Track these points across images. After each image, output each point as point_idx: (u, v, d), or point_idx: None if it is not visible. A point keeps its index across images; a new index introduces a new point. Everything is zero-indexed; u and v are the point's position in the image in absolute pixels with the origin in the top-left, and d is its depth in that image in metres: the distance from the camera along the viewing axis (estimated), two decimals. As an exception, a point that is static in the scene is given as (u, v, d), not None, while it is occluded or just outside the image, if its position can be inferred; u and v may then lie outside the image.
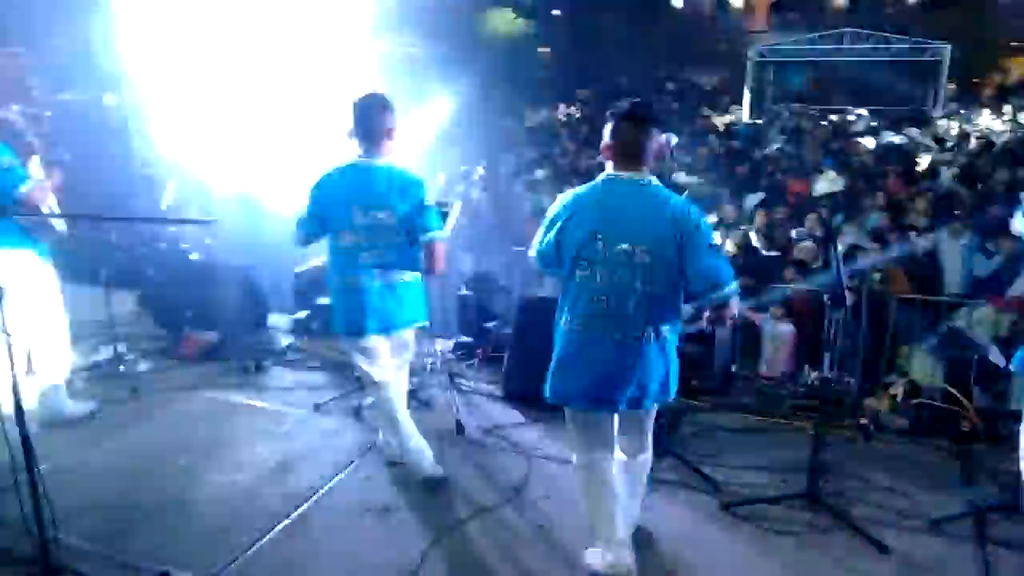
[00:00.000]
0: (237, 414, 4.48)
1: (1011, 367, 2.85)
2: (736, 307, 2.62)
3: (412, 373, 4.79)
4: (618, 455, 2.92)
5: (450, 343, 5.57)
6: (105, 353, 5.15)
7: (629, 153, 2.62)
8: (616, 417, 2.85)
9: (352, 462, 3.88)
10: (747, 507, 3.47)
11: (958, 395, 4.25)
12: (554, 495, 3.56)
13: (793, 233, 7.37)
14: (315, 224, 3.40)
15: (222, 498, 3.51)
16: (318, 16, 5.94)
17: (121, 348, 5.13)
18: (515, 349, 4.72)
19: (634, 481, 2.99)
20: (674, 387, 2.79)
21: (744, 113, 17.41)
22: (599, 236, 2.58)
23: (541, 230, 2.78)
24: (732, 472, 3.80)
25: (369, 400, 4.17)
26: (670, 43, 20.74)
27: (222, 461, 3.86)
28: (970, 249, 6.81)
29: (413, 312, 3.56)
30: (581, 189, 2.71)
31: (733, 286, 2.59)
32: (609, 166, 2.67)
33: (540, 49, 22.75)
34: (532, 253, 2.84)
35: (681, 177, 9.23)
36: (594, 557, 2.89)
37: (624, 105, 2.66)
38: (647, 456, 2.98)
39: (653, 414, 2.91)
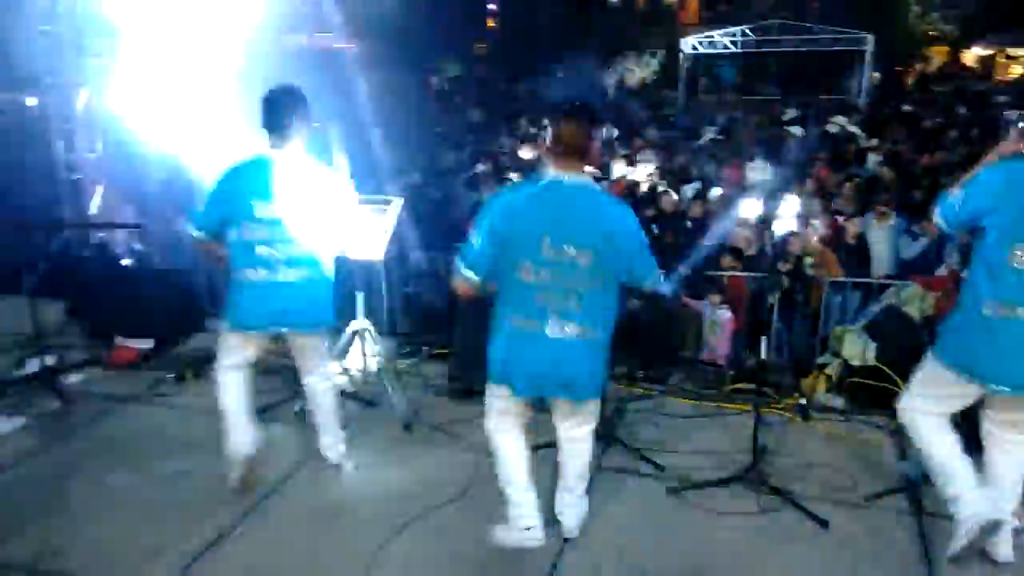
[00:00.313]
0: (175, 423, 4.35)
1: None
2: (668, 293, 2.82)
3: (357, 372, 4.76)
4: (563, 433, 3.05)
5: (396, 340, 5.52)
6: (32, 366, 4.93)
7: (573, 154, 2.63)
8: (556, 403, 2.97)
9: (299, 465, 3.82)
10: (693, 490, 3.53)
11: (890, 372, 4.40)
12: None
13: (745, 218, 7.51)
14: (213, 216, 3.32)
15: (163, 510, 3.41)
16: (236, 12, 5.79)
17: (49, 360, 4.92)
18: (461, 344, 4.71)
19: (575, 456, 3.09)
20: (603, 383, 2.93)
21: (678, 105, 17.72)
22: (545, 238, 2.60)
23: (474, 238, 2.73)
24: (678, 456, 3.87)
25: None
26: (605, 37, 20.95)
27: (162, 472, 3.75)
28: (897, 232, 7.08)
29: (318, 311, 3.47)
30: (518, 191, 2.71)
31: (662, 280, 2.81)
32: (552, 166, 2.66)
33: (476, 44, 22.74)
34: (462, 267, 2.76)
35: (619, 170, 9.36)
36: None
37: (568, 105, 2.67)
38: (586, 432, 3.05)
39: (594, 404, 3.00)
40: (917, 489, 3.46)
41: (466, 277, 2.75)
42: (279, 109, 3.25)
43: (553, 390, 2.84)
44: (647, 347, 4.87)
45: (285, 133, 3.25)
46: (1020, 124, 2.79)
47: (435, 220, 7.56)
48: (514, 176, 8.66)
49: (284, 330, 3.49)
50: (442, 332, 5.37)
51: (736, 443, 3.92)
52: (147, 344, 5.34)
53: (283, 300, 3.34)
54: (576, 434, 3.03)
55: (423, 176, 9.78)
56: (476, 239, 2.71)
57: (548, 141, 2.65)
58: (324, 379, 3.67)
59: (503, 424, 3.00)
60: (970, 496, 2.79)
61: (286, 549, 3.16)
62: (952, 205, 2.66)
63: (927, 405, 2.93)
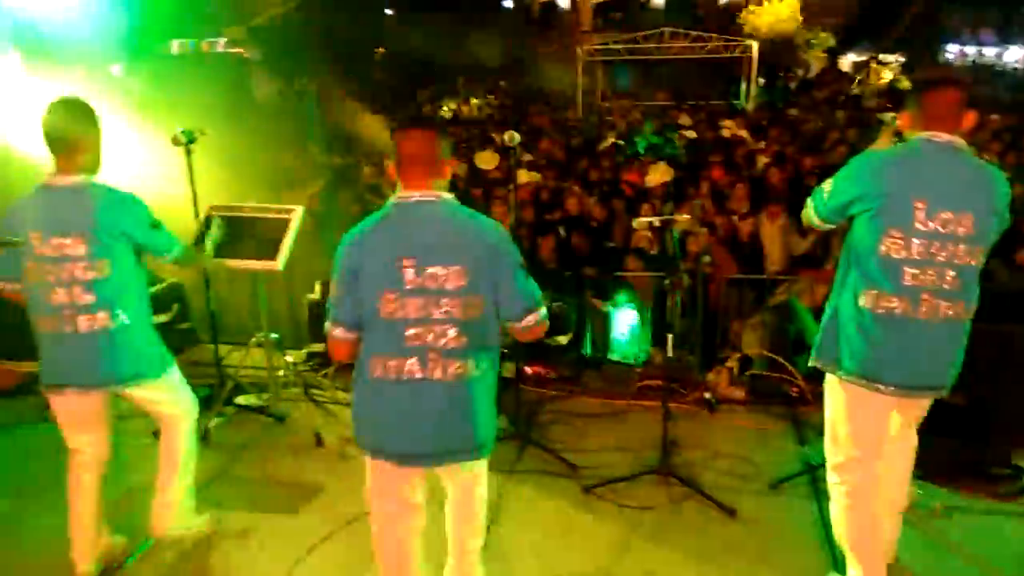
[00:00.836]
0: (65, 449, 4.07)
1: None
2: (544, 329, 2.36)
3: (262, 388, 4.60)
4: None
5: (302, 353, 5.37)
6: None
7: (418, 169, 2.27)
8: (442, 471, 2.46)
9: (201, 488, 3.65)
10: (607, 487, 3.60)
11: (786, 363, 4.63)
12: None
13: (635, 223, 7.71)
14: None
15: (60, 541, 3.19)
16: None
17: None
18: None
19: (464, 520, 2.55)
20: (492, 436, 2.42)
21: (577, 110, 18.07)
22: (405, 263, 2.20)
23: (333, 291, 2.33)
24: (591, 455, 3.94)
25: (215, 422, 3.96)
26: (504, 43, 21.13)
27: (55, 502, 3.50)
28: (787, 230, 7.44)
29: (129, 364, 2.89)
30: (364, 222, 2.32)
31: (543, 310, 2.33)
32: (399, 187, 2.30)
33: (376, 50, 22.48)
34: (328, 326, 2.34)
35: (522, 176, 9.44)
36: None
37: (407, 116, 2.47)
38: (479, 495, 2.53)
39: (484, 469, 2.51)
40: (816, 472, 3.65)
41: (335, 336, 2.33)
42: (60, 126, 2.73)
43: (439, 452, 2.32)
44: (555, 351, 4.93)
45: (70, 154, 2.74)
46: (890, 123, 2.95)
47: (346, 228, 7.39)
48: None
49: (99, 388, 2.92)
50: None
51: (647, 439, 4.02)
52: (31, 366, 4.98)
53: (80, 353, 2.81)
54: (464, 499, 2.51)
55: (328, 184, 9.56)
56: (333, 288, 2.31)
57: (388, 160, 2.32)
58: (174, 421, 3.15)
59: (387, 508, 2.43)
60: None
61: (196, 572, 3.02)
62: (821, 197, 2.70)
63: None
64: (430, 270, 2.20)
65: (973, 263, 2.47)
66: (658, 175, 9.98)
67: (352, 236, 2.31)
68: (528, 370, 4.88)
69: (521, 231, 5.93)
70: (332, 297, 2.32)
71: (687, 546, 3.21)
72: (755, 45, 17.58)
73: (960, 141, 2.48)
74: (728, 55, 18.16)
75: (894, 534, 2.90)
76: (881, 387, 2.54)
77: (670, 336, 3.72)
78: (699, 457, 3.92)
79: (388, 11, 22.19)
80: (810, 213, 2.78)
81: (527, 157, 11.02)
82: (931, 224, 2.42)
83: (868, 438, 2.66)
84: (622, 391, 4.73)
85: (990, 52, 29.97)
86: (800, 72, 25.76)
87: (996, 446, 3.66)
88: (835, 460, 2.74)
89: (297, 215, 4.16)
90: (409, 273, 2.20)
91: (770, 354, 4.79)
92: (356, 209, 8.08)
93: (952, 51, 29.73)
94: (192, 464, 3.21)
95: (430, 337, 2.22)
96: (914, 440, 2.84)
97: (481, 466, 2.48)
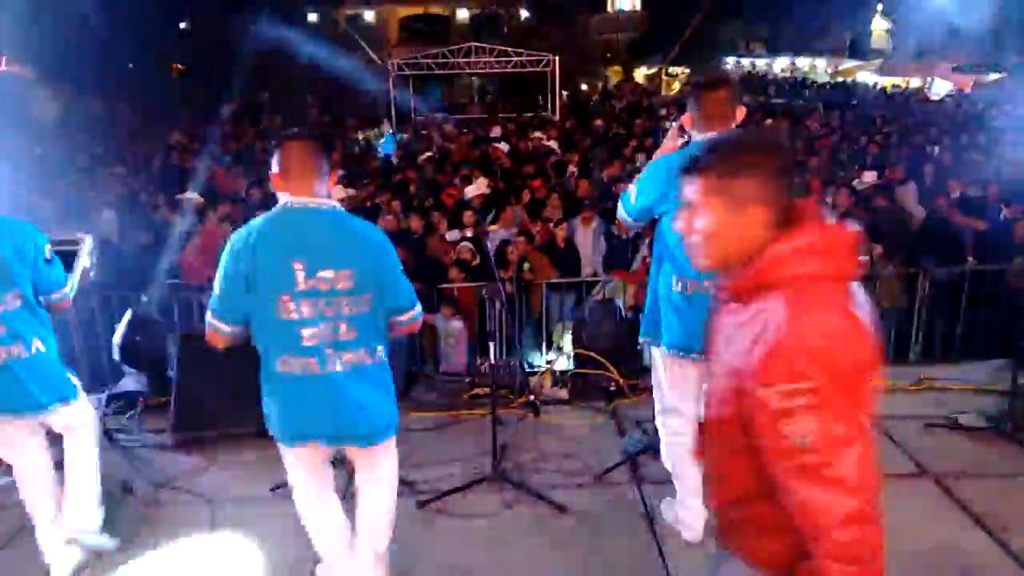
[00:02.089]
0: None
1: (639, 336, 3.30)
2: (419, 325, 2.72)
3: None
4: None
5: (103, 396, 4.91)
6: None
7: (303, 177, 2.41)
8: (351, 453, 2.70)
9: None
10: (443, 500, 3.61)
11: (602, 360, 4.87)
12: (249, 535, 3.35)
13: (449, 235, 7.80)
14: None
15: None
16: None
17: None
18: (181, 390, 4.33)
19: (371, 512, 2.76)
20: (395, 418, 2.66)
21: (392, 125, 17.99)
22: (297, 266, 2.35)
23: (217, 285, 2.45)
24: (425, 470, 3.92)
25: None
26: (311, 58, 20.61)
27: None
28: (599, 233, 7.86)
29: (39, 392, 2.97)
30: (251, 227, 2.42)
31: (419, 308, 2.65)
32: (283, 196, 2.44)
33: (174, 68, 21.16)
34: (211, 318, 2.47)
35: (338, 191, 9.26)
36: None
37: (293, 130, 2.57)
38: (386, 480, 2.76)
39: (390, 447, 2.72)
40: (635, 461, 3.88)
41: (217, 328, 2.47)
42: None
43: (343, 433, 2.54)
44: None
45: None
46: (672, 126, 3.24)
47: (144, 260, 6.85)
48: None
49: None
50: (160, 378, 4.90)
51: (479, 447, 4.07)
52: None
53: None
54: (372, 486, 2.73)
55: (122, 212, 8.81)
56: (219, 285, 2.44)
57: (274, 166, 2.44)
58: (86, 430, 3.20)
59: (307, 490, 2.70)
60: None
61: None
62: (628, 200, 2.99)
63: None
64: (324, 272, 2.37)
65: None
66: (475, 187, 10.16)
67: (239, 239, 2.42)
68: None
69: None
70: (217, 293, 2.45)
71: (522, 547, 3.30)
72: (557, 60, 18.40)
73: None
74: (532, 69, 18.86)
75: None
76: (694, 356, 2.89)
77: (491, 344, 3.80)
78: (529, 459, 4.03)
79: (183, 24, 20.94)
80: (622, 215, 3.02)
81: (338, 172, 10.79)
82: None
83: (684, 394, 3.06)
84: (453, 402, 4.77)
85: (761, 63, 33.52)
86: (600, 84, 27.33)
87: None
88: (660, 407, 3.21)
89: (87, 246, 3.81)
90: (301, 276, 2.36)
91: (588, 352, 5.01)
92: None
93: (729, 62, 32.90)
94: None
95: (326, 334, 2.42)
96: None
97: (383, 450, 2.67)
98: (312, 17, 26.06)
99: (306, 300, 2.38)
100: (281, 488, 3.30)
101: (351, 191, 9.57)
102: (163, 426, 4.38)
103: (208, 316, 2.49)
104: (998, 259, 6.33)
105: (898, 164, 10.42)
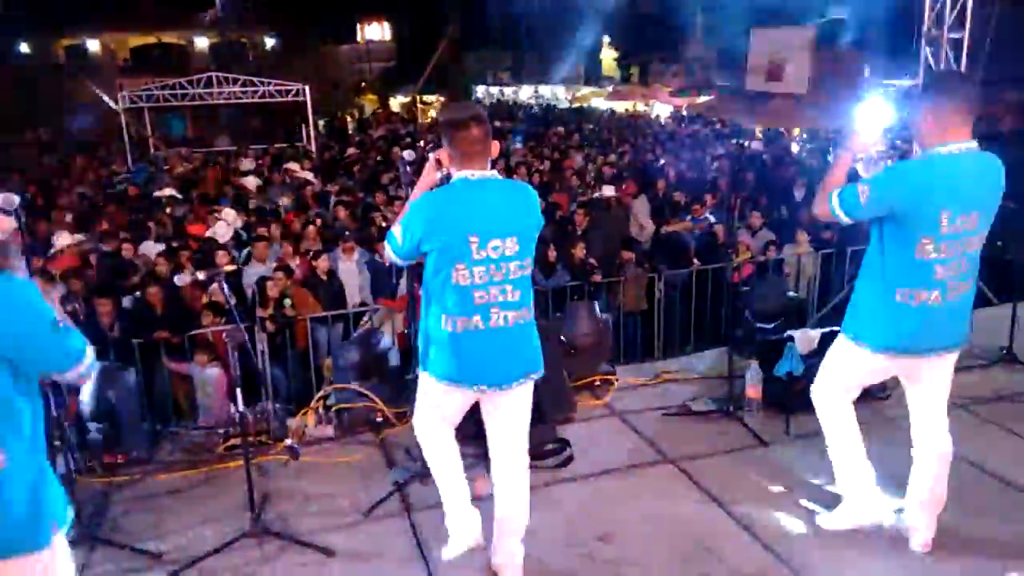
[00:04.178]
0: None
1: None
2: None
3: None
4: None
5: None
6: None
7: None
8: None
9: None
10: (195, 567, 3.32)
11: (368, 393, 4.78)
12: None
13: (177, 279, 7.26)
14: None
15: None
16: None
17: None
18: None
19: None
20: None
21: (127, 160, 16.49)
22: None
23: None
24: (175, 536, 3.59)
25: None
26: (23, 91, 18.40)
27: None
28: (361, 264, 7.78)
29: None
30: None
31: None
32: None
33: None
34: (390, 249, 2.87)
35: (64, 238, 8.28)
36: None
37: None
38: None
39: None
40: (404, 490, 3.84)
41: (393, 252, 2.85)
42: None
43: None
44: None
45: None
46: (408, 158, 3.26)
47: None
48: None
49: None
50: None
51: (237, 502, 3.80)
52: None
53: None
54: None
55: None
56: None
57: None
58: None
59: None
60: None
61: None
62: (395, 242, 2.83)
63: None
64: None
65: (526, 274, 2.87)
66: (226, 224, 9.61)
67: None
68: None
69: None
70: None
71: (288, 601, 3.12)
72: (308, 89, 18.00)
73: (491, 172, 2.81)
74: (283, 100, 18.27)
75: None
76: (464, 386, 2.88)
77: (238, 391, 3.58)
78: (292, 506, 3.84)
79: None
80: (391, 258, 2.93)
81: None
82: (483, 253, 2.73)
83: (451, 419, 3.07)
84: (206, 458, 4.42)
85: (508, 91, 35.50)
86: (356, 113, 27.22)
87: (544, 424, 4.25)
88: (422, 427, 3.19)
89: None
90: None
91: (351, 386, 4.89)
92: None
93: (479, 90, 34.50)
94: None
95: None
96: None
97: None
98: (24, 47, 23.27)
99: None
100: None
101: (80, 236, 8.58)
102: None
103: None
104: (717, 260, 7.24)
105: (631, 179, 11.50)
